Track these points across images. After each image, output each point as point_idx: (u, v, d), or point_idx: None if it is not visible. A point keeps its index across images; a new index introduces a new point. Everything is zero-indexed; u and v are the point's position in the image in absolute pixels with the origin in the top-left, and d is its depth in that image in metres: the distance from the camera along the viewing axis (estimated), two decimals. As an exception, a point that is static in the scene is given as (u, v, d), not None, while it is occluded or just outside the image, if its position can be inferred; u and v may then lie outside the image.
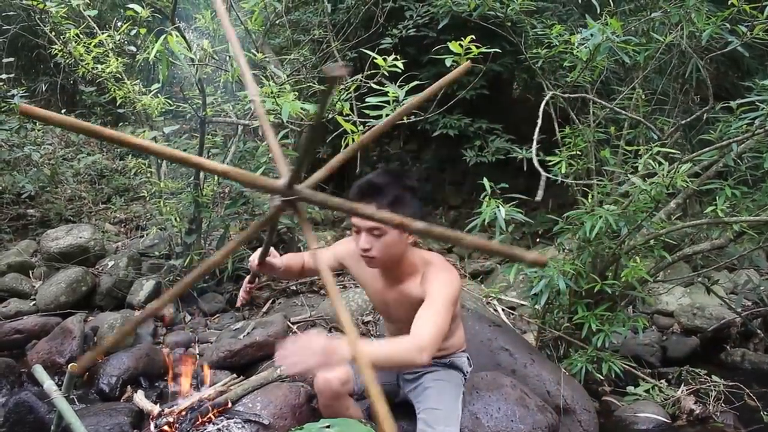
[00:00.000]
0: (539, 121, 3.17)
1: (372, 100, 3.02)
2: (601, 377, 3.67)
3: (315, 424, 2.03)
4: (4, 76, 6.09)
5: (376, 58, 3.26)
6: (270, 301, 4.65)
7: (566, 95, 3.71)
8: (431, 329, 2.16)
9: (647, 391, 3.75)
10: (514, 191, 3.71)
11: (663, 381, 3.90)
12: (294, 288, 4.73)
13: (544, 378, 3.49)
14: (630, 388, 3.80)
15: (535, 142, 3.19)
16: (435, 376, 2.67)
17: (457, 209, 7.04)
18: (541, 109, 3.20)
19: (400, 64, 3.22)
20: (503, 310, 4.81)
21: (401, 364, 2.23)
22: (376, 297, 2.65)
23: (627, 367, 3.73)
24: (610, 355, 3.61)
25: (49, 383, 2.33)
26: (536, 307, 3.91)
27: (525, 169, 4.73)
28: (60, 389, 2.30)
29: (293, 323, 4.14)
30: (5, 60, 6.42)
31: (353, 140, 3.16)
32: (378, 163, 6.95)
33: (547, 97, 3.33)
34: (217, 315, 4.62)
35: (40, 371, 2.44)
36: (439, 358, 2.67)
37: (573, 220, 3.72)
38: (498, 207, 3.36)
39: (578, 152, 3.96)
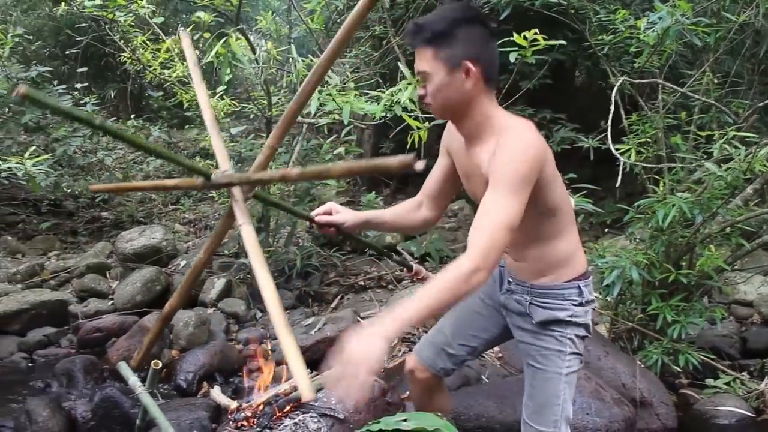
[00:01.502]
0: (612, 107, 3.10)
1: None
2: (678, 369, 3.59)
3: (392, 418, 2.05)
4: (78, 86, 6.32)
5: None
6: (338, 297, 4.69)
7: (636, 81, 3.62)
8: (485, 234, 1.70)
9: (728, 383, 3.64)
10: (580, 181, 3.66)
11: (744, 373, 3.78)
12: (362, 284, 4.77)
13: (619, 370, 3.43)
14: (709, 381, 3.69)
15: (609, 129, 3.12)
16: (529, 337, 2.08)
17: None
18: (613, 94, 3.14)
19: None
20: (572, 302, 4.73)
21: (454, 300, 1.72)
22: (461, 171, 2.14)
23: (705, 359, 3.62)
24: (686, 347, 3.52)
25: (133, 379, 2.40)
26: (608, 298, 3.85)
27: (591, 158, 4.66)
28: (144, 385, 2.37)
29: (364, 318, 4.17)
30: (79, 70, 6.67)
31: (419, 137, 3.17)
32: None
33: (618, 83, 3.25)
34: (287, 311, 4.68)
35: (124, 368, 2.52)
36: (537, 289, 2.04)
37: (644, 209, 3.64)
38: (567, 197, 3.31)
39: (648, 139, 3.87)
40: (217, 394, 3.15)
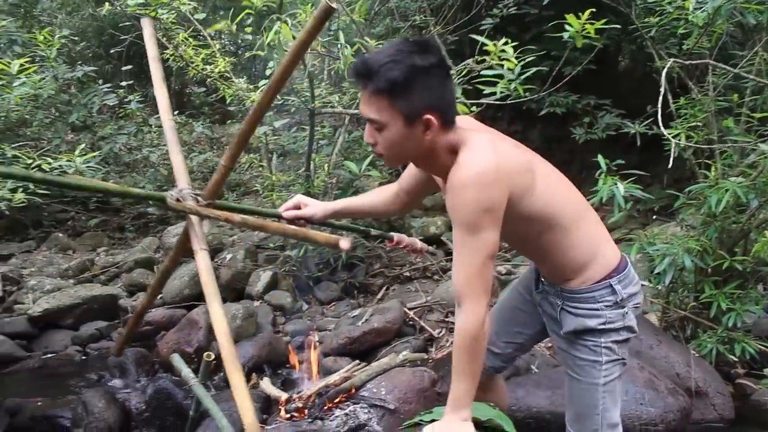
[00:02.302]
0: (662, 89, 3.02)
1: (485, 72, 2.96)
2: (734, 359, 3.50)
3: (443, 408, 2.03)
4: (123, 83, 6.41)
5: (486, 44, 3.21)
6: (384, 288, 4.69)
7: (687, 63, 3.52)
8: (463, 279, 1.70)
9: (787, 373, 3.54)
10: (626, 167, 3.58)
11: (804, 363, 3.67)
12: (407, 274, 4.76)
13: (673, 360, 3.36)
14: (767, 371, 3.59)
15: (659, 112, 3.05)
16: (563, 344, 2.02)
17: (567, 189, 6.87)
18: (662, 77, 3.06)
19: (509, 49, 3.14)
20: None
21: (481, 351, 1.75)
22: None
23: (762, 348, 3.53)
24: (742, 336, 3.43)
25: (186, 371, 2.43)
26: (659, 286, 3.77)
27: (638, 143, 4.56)
28: (196, 377, 2.40)
29: (410, 309, 4.16)
30: (123, 68, 6.76)
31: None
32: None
33: (666, 66, 3.17)
34: (333, 303, 4.70)
35: (177, 360, 2.55)
36: (567, 293, 1.95)
37: (695, 194, 3.55)
38: (616, 184, 3.25)
39: (697, 123, 3.77)
40: (266, 385, 3.18)
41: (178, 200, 1.93)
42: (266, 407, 3.13)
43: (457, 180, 1.66)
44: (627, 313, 1.90)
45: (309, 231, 1.78)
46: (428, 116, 1.68)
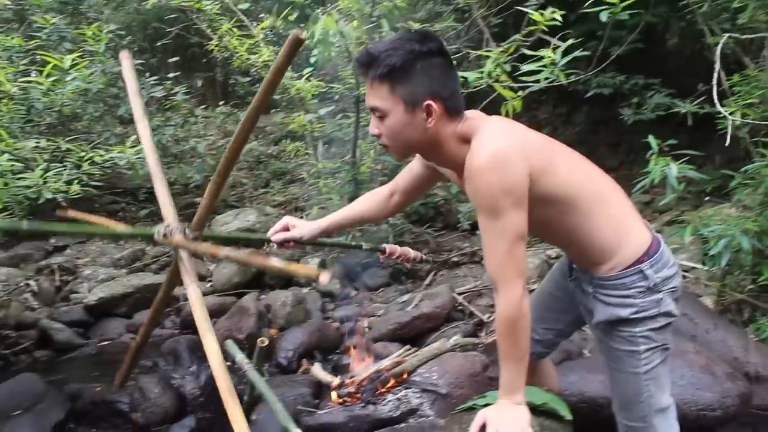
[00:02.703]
0: (716, 66, 2.94)
1: (527, 68, 2.93)
2: (796, 342, 3.41)
3: (497, 392, 2.02)
4: (171, 75, 6.50)
5: (531, 14, 3.16)
6: (432, 274, 4.68)
7: (743, 37, 3.42)
8: (496, 263, 1.70)
9: None
10: (677, 148, 3.50)
11: None
12: (455, 260, 4.74)
13: (730, 344, 3.28)
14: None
15: (714, 90, 2.97)
16: (599, 333, 1.98)
17: (615, 171, 6.75)
18: (717, 53, 2.98)
19: (558, 16, 3.08)
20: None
21: (525, 334, 1.76)
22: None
23: (825, 331, 3.43)
24: (803, 319, 3.34)
25: (240, 357, 2.46)
26: (714, 269, 3.68)
27: (689, 123, 4.46)
28: (250, 362, 2.43)
29: (459, 294, 4.15)
30: (170, 60, 6.86)
31: (513, 107, 3.10)
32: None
33: (722, 41, 3.08)
34: (381, 289, 4.71)
35: (231, 346, 2.59)
36: (598, 280, 1.90)
37: (752, 174, 3.45)
38: (668, 165, 3.18)
39: (753, 100, 3.66)
40: (318, 370, 3.21)
41: (165, 236, 1.92)
42: (317, 392, 3.15)
43: (475, 165, 1.65)
44: (662, 299, 1.84)
45: (290, 265, 1.77)
46: (429, 102, 1.68)
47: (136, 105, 2.19)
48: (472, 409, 2.07)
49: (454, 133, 1.74)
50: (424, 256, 2.99)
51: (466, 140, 1.73)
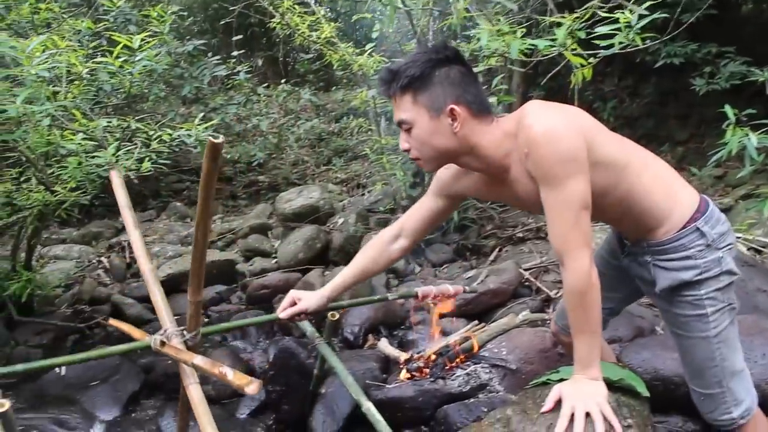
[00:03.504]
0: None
1: (602, 29, 2.82)
2: None
3: (570, 368, 1.98)
4: (235, 53, 6.56)
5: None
6: (497, 250, 4.63)
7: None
8: (562, 233, 1.69)
9: None
10: (754, 118, 3.35)
11: None
12: (520, 235, 4.68)
13: (815, 319, 3.14)
14: None
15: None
16: (662, 303, 1.95)
17: (684, 144, 6.54)
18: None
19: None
20: (748, 250, 4.40)
21: (596, 306, 1.74)
22: (502, 200, 2.16)
23: None
24: None
25: (311, 330, 2.48)
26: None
27: (767, 92, 4.27)
28: (320, 336, 2.44)
29: (525, 270, 4.09)
30: (233, 38, 6.93)
31: (583, 75, 3.00)
32: (594, 103, 6.62)
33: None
34: (445, 265, 4.69)
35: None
36: (655, 246, 1.88)
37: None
38: (747, 135, 3.04)
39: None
40: (385, 345, 3.21)
41: (162, 343, 1.94)
42: (385, 367, 3.16)
43: (531, 139, 1.67)
44: (722, 257, 1.82)
45: (228, 374, 1.75)
46: (452, 106, 1.72)
47: (127, 217, 2.22)
48: (546, 384, 2.04)
49: (485, 135, 1.78)
50: (465, 288, 2.96)
51: (510, 133, 1.76)
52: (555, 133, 1.64)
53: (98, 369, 3.72)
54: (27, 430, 2.97)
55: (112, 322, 2.31)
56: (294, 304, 2.25)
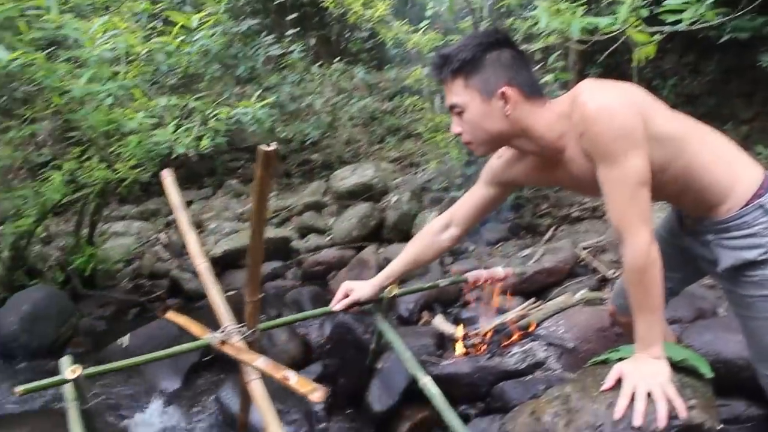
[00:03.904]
0: None
1: (671, 2, 2.73)
2: None
3: (631, 347, 1.95)
4: (288, 32, 6.60)
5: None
6: (552, 229, 4.57)
7: None
8: (621, 210, 1.66)
9: None
10: None
11: None
12: (576, 215, 4.61)
13: None
14: None
15: None
16: (725, 283, 1.90)
17: (749, 123, 6.31)
18: None
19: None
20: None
21: (657, 283, 1.70)
22: (558, 184, 2.14)
23: None
24: None
25: (368, 305, 2.49)
26: None
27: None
28: (378, 312, 2.46)
29: (583, 249, 4.04)
30: (288, 17, 6.97)
31: (646, 53, 2.91)
32: (653, 80, 6.44)
33: None
34: (500, 243, 4.65)
35: (359, 295, 2.62)
36: (717, 225, 1.82)
37: None
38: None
39: None
40: (440, 322, 3.22)
41: (222, 342, 1.96)
42: (440, 343, 3.17)
43: (587, 115, 1.65)
44: None
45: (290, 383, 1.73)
46: (504, 89, 1.72)
47: (182, 218, 2.24)
48: (605, 363, 2.02)
49: (539, 116, 1.77)
50: (515, 271, 2.94)
51: (564, 114, 1.74)
52: (610, 109, 1.63)
53: (160, 340, 3.82)
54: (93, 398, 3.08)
55: (170, 316, 2.37)
56: (347, 295, 2.30)
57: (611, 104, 1.63)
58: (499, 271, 2.66)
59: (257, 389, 1.86)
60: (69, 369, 1.77)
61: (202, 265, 2.23)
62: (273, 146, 1.45)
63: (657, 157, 1.70)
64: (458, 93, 1.78)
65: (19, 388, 1.81)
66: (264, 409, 1.78)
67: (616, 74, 2.52)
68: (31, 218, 4.53)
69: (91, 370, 1.95)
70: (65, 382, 1.84)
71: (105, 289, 5.08)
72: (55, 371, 1.88)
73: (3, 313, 4.26)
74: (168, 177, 2.33)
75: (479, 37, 1.79)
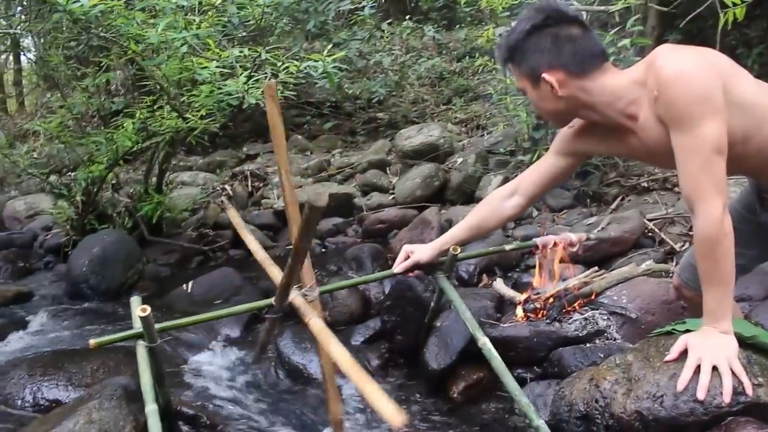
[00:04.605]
0: None
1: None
2: None
3: (698, 320, 1.91)
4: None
5: None
6: (619, 198, 4.47)
7: None
8: (694, 179, 1.62)
9: None
10: None
11: None
12: (645, 185, 4.48)
13: None
14: None
15: None
16: None
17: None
18: None
19: None
20: None
21: (728, 257, 1.66)
22: (630, 156, 2.21)
23: None
24: None
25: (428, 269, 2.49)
26: None
27: None
28: (441, 271, 2.45)
29: (650, 220, 3.94)
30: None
31: (735, 16, 2.79)
32: (737, 48, 6.16)
33: None
34: (564, 211, 4.58)
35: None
36: None
37: None
38: None
39: None
40: (500, 286, 3.20)
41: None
42: (499, 307, 3.15)
43: (663, 78, 1.60)
44: None
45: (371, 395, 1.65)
46: (545, 75, 1.73)
47: (246, 236, 2.30)
48: (670, 334, 1.98)
49: (602, 83, 1.74)
50: (589, 236, 2.87)
51: (638, 80, 1.70)
52: (687, 72, 1.58)
53: (222, 288, 3.93)
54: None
55: None
56: (407, 257, 2.30)
57: (689, 68, 1.59)
58: (572, 236, 2.62)
59: (316, 325, 1.91)
60: (139, 308, 1.83)
61: (261, 255, 2.35)
62: (323, 201, 1.46)
63: (738, 125, 1.64)
64: (517, 79, 1.87)
65: (93, 341, 1.89)
66: (325, 341, 1.82)
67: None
68: (103, 165, 4.67)
69: (165, 324, 2.03)
70: (138, 336, 1.90)
71: (170, 237, 5.21)
72: (121, 314, 1.95)
73: (74, 255, 4.44)
74: (226, 202, 2.33)
75: (524, 20, 1.78)
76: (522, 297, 2.84)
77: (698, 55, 1.63)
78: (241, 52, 3.84)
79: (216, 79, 3.75)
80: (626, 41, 4.36)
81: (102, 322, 3.67)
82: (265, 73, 3.90)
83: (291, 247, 2.00)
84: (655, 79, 1.62)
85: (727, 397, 1.63)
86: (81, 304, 4.15)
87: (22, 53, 9.27)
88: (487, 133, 5.85)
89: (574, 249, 2.66)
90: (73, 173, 5.65)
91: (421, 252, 2.30)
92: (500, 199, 2.19)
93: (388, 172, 5.72)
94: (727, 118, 1.59)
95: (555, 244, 2.61)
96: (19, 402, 2.55)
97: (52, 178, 5.79)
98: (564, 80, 1.74)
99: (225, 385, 2.87)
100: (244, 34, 5.63)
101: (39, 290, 4.49)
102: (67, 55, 5.80)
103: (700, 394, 1.64)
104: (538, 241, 2.62)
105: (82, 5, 3.35)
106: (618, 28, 4.78)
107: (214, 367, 3.08)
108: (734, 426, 1.60)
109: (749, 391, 1.64)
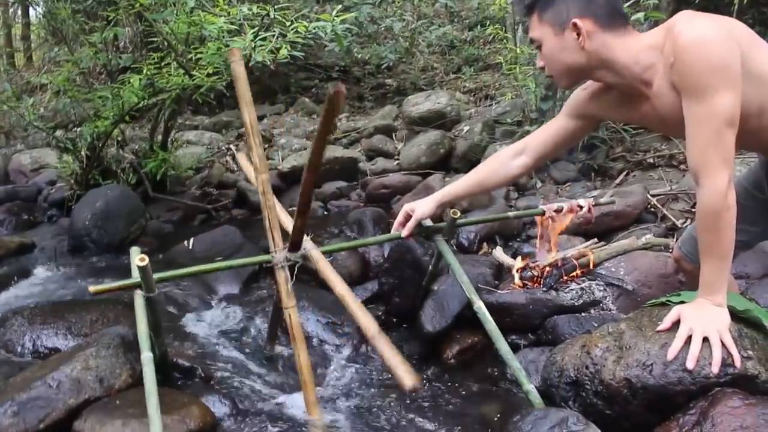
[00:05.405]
0: None
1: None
2: None
3: (692, 292, 1.91)
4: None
5: None
6: (624, 173, 4.45)
7: None
8: (700, 150, 1.60)
9: None
10: None
11: None
12: (650, 161, 4.46)
13: None
14: None
15: None
16: None
17: None
18: None
19: None
20: None
21: (729, 230, 1.66)
22: (640, 123, 2.17)
23: None
24: None
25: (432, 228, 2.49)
26: None
27: None
28: (440, 234, 2.46)
29: (653, 195, 3.93)
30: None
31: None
32: (754, 27, 6.10)
33: None
34: (568, 183, 4.57)
35: (420, 216, 2.62)
36: None
37: None
38: None
39: None
40: (499, 254, 3.21)
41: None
42: (497, 274, 3.16)
43: (680, 44, 1.58)
44: None
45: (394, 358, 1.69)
46: (575, 21, 1.70)
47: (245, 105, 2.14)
48: (664, 305, 1.99)
49: (624, 43, 1.73)
50: (602, 201, 2.85)
51: (655, 45, 1.68)
52: (705, 39, 1.55)
53: (223, 246, 3.94)
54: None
55: None
56: (408, 217, 2.28)
57: (708, 35, 1.56)
58: (581, 201, 2.61)
59: (293, 316, 1.93)
60: (138, 257, 1.84)
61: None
62: (342, 87, 1.43)
63: (753, 97, 1.63)
64: (534, 28, 1.81)
65: (92, 288, 1.90)
66: (298, 338, 1.84)
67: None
68: (109, 120, 4.67)
69: (162, 274, 2.03)
70: (136, 285, 1.91)
71: (174, 194, 5.24)
72: (122, 268, 1.96)
73: (78, 209, 4.46)
74: (235, 54, 2.20)
75: None
76: (520, 264, 2.84)
77: (718, 23, 1.61)
78: (249, 9, 3.81)
79: (224, 36, 3.73)
80: (640, 15, 4.31)
81: (103, 275, 3.69)
82: (273, 32, 3.87)
83: (294, 208, 2.02)
84: (672, 45, 1.60)
85: (715, 368, 1.64)
86: (83, 257, 4.18)
87: (30, 6, 9.21)
88: (495, 103, 5.82)
89: (582, 212, 2.63)
90: (78, 128, 5.65)
91: (422, 208, 2.28)
92: (507, 158, 2.19)
93: (394, 137, 5.70)
94: (742, 90, 1.58)
95: (563, 210, 2.59)
96: (19, 348, 2.58)
97: (58, 132, 5.80)
98: (592, 31, 1.72)
99: (222, 340, 2.89)
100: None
101: (42, 243, 4.52)
102: (75, 9, 5.76)
103: (690, 364, 1.65)
104: (546, 207, 2.61)
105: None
106: (633, 1, 4.73)
107: (211, 322, 3.10)
108: (721, 396, 1.61)
109: (738, 363, 1.65)
